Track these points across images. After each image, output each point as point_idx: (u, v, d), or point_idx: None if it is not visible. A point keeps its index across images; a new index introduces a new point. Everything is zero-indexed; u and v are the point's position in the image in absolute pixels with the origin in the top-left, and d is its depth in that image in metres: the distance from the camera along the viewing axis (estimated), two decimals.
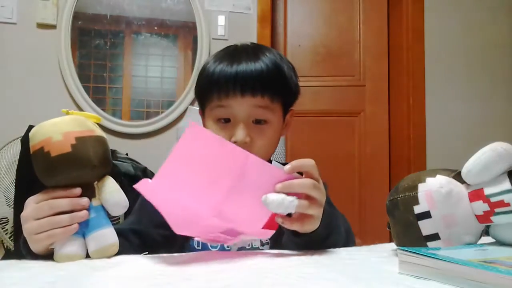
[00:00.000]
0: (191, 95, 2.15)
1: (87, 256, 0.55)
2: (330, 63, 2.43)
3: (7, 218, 1.70)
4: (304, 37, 2.44)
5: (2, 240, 1.72)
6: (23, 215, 0.54)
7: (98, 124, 0.61)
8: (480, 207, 0.51)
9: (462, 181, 0.53)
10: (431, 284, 0.42)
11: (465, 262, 0.41)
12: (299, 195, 0.54)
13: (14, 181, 1.62)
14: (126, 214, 0.79)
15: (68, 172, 0.53)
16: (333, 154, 2.37)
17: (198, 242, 0.76)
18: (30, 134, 0.55)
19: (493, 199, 0.50)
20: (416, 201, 0.53)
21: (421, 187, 0.53)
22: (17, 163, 1.64)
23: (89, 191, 0.56)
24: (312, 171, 0.56)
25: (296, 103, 0.83)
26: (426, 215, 0.52)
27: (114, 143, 2.02)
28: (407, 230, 0.54)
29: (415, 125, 2.34)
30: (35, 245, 0.54)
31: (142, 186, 0.50)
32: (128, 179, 1.61)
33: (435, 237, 0.52)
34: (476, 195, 0.51)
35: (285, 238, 0.65)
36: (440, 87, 2.39)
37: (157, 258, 0.55)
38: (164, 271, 0.48)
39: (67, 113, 0.58)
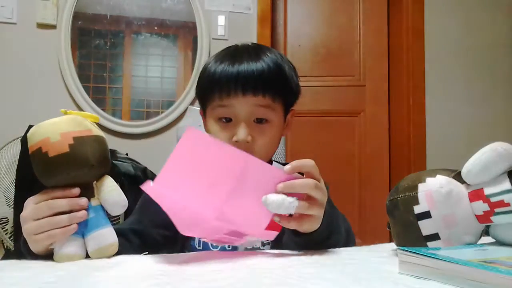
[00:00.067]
0: (191, 95, 2.15)
1: (87, 256, 0.55)
2: (330, 63, 2.43)
3: (7, 218, 1.70)
4: (304, 37, 2.44)
5: (2, 240, 1.72)
6: (22, 215, 0.54)
7: (97, 123, 0.61)
8: (480, 207, 0.51)
9: (462, 181, 0.53)
10: (431, 284, 0.42)
11: (465, 262, 0.41)
12: (300, 195, 0.54)
13: (14, 181, 1.62)
14: (127, 214, 0.80)
15: (66, 172, 0.53)
16: (333, 154, 2.37)
17: (199, 242, 0.76)
18: (29, 134, 0.55)
19: (493, 199, 0.50)
20: (416, 201, 0.53)
21: (421, 187, 0.53)
22: (17, 163, 1.64)
23: (88, 191, 0.56)
24: (312, 171, 0.56)
25: (296, 103, 0.84)
26: (426, 215, 0.52)
27: (114, 143, 2.02)
28: (407, 230, 0.54)
29: (415, 125, 2.34)
30: (35, 246, 0.54)
31: (148, 189, 0.50)
32: (128, 179, 1.61)
33: (435, 237, 0.52)
34: (476, 195, 0.51)
35: (286, 238, 0.65)
36: (440, 87, 2.39)
37: (157, 258, 0.55)
38: (164, 271, 0.48)
39: (65, 113, 0.58)
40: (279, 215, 0.55)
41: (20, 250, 0.57)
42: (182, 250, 0.76)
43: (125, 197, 0.58)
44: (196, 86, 0.82)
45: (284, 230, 0.60)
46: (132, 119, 2.19)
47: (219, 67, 0.74)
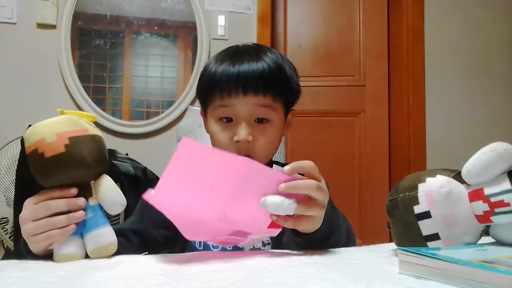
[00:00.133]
0: (191, 95, 2.15)
1: (87, 256, 0.55)
2: (330, 63, 2.43)
3: (7, 218, 1.70)
4: (304, 37, 2.44)
5: (2, 240, 1.72)
6: (21, 216, 0.55)
7: (96, 123, 0.61)
8: (480, 207, 0.51)
9: (462, 181, 0.53)
10: (431, 284, 0.42)
11: (465, 262, 0.41)
12: (300, 196, 0.54)
13: (14, 181, 1.62)
14: (127, 214, 0.80)
15: (63, 173, 0.53)
16: (333, 154, 2.37)
17: (200, 243, 0.76)
18: (25, 135, 0.55)
19: (493, 199, 0.50)
20: (416, 201, 0.53)
21: (421, 187, 0.53)
22: (17, 163, 1.64)
23: (86, 191, 0.56)
24: (313, 172, 0.56)
25: (296, 103, 0.84)
26: (426, 215, 0.52)
27: (114, 143, 2.02)
28: (407, 230, 0.54)
29: (415, 125, 2.34)
30: (34, 246, 0.54)
31: (150, 197, 0.50)
32: (128, 179, 1.61)
33: (435, 237, 0.52)
34: (476, 195, 0.51)
35: (286, 238, 0.65)
36: (440, 87, 2.39)
37: (157, 258, 0.55)
38: (164, 271, 0.48)
39: (62, 113, 0.58)
40: (277, 215, 0.55)
41: (20, 250, 0.57)
42: (182, 250, 0.76)
43: (123, 196, 0.58)
44: (197, 86, 0.82)
45: (284, 230, 0.60)
46: (132, 119, 2.19)
47: (220, 67, 0.75)
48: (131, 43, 2.26)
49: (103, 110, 2.12)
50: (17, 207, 1.59)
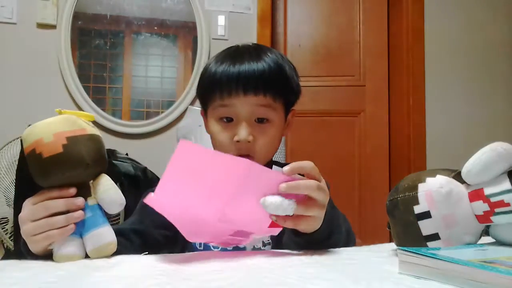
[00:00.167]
0: (191, 95, 2.15)
1: (87, 255, 0.55)
2: (330, 63, 2.43)
3: (7, 218, 1.70)
4: (304, 37, 2.44)
5: (2, 240, 1.72)
6: (20, 216, 0.55)
7: (95, 122, 0.60)
8: (480, 207, 0.51)
9: (462, 181, 0.53)
10: (431, 284, 0.42)
11: (465, 262, 0.41)
12: (299, 196, 0.54)
13: (14, 181, 1.62)
14: (127, 214, 0.79)
15: (61, 173, 0.53)
16: (333, 154, 2.37)
17: (200, 243, 0.76)
18: (23, 136, 0.55)
19: (493, 199, 0.50)
20: (416, 201, 0.53)
21: (421, 187, 0.53)
22: (17, 163, 1.64)
23: (84, 190, 0.56)
24: (312, 173, 0.56)
25: (296, 103, 0.84)
26: (426, 215, 0.52)
27: (114, 143, 2.02)
28: (407, 230, 0.54)
29: (415, 125, 2.34)
30: (34, 246, 0.54)
31: (150, 201, 0.50)
32: (128, 179, 1.61)
33: (435, 237, 0.52)
34: (476, 195, 0.51)
35: (286, 238, 0.65)
36: (440, 87, 2.39)
37: (157, 258, 0.55)
38: (164, 271, 0.48)
39: (60, 113, 0.57)
40: (276, 215, 0.55)
41: (20, 250, 0.57)
42: (183, 250, 0.76)
43: (122, 195, 0.58)
44: (197, 86, 0.82)
45: (284, 230, 0.60)
46: (132, 119, 2.19)
47: (220, 67, 0.75)
48: (131, 43, 2.26)
49: (103, 110, 2.12)
50: (17, 207, 1.59)
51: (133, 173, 1.65)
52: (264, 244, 0.76)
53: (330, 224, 0.61)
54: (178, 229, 0.55)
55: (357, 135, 2.44)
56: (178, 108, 2.16)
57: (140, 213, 0.78)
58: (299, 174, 0.55)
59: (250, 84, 0.73)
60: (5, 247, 1.72)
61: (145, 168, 1.77)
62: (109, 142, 2.01)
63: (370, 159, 2.41)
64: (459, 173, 0.53)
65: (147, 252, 0.58)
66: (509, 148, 0.50)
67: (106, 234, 0.56)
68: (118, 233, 0.57)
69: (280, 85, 0.76)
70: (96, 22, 2.22)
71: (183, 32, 2.29)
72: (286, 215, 0.54)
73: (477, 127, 2.38)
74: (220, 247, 0.73)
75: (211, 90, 0.76)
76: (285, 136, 0.91)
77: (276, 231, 0.59)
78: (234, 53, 0.78)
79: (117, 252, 0.56)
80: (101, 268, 0.50)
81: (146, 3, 2.23)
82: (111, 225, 0.57)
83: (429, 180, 0.53)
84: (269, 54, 0.77)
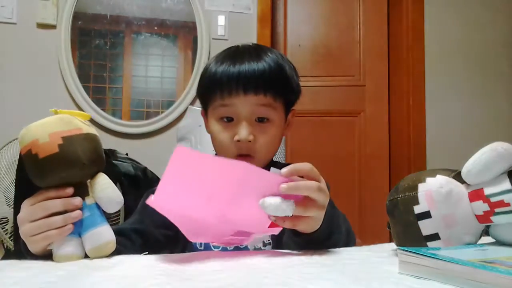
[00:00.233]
0: (191, 95, 2.15)
1: (86, 255, 0.55)
2: (330, 63, 2.43)
3: (7, 218, 1.70)
4: (304, 37, 2.44)
5: (2, 240, 1.72)
6: (19, 217, 0.55)
7: (91, 121, 0.60)
8: (480, 207, 0.51)
9: (462, 181, 0.53)
10: (431, 284, 0.42)
11: (465, 262, 0.41)
12: (298, 196, 0.54)
13: (14, 181, 1.62)
14: (127, 214, 0.79)
15: (57, 173, 0.53)
16: (333, 154, 2.37)
17: (201, 243, 0.76)
18: (19, 136, 0.55)
19: (493, 199, 0.50)
20: (416, 201, 0.53)
21: (421, 187, 0.53)
22: (17, 163, 1.64)
23: (82, 190, 0.56)
24: (311, 174, 0.56)
25: (296, 103, 0.84)
26: (426, 215, 0.52)
27: (114, 143, 2.02)
28: (407, 230, 0.54)
29: (415, 125, 2.34)
30: (33, 247, 0.54)
31: (151, 203, 0.50)
32: (128, 179, 1.61)
33: (435, 237, 0.52)
34: (476, 195, 0.51)
35: (286, 238, 0.65)
36: (440, 87, 2.39)
37: (157, 258, 0.55)
38: (164, 271, 0.48)
39: (56, 113, 0.57)
40: (275, 216, 0.55)
41: (20, 250, 0.57)
42: (183, 250, 0.76)
43: (120, 193, 0.58)
44: (197, 86, 0.82)
45: (284, 230, 0.60)
46: (132, 119, 2.19)
47: (220, 67, 0.75)
48: (131, 43, 2.26)
49: (103, 110, 2.12)
50: (17, 207, 1.59)
51: (133, 173, 1.65)
52: (264, 244, 0.76)
53: (330, 224, 0.61)
54: (179, 228, 0.55)
55: (357, 135, 2.44)
56: (178, 108, 2.16)
57: (141, 213, 0.78)
58: (299, 176, 0.55)
59: (251, 84, 0.73)
60: (5, 247, 1.72)
61: (145, 168, 1.77)
62: (109, 142, 2.01)
63: (370, 159, 2.41)
64: (459, 173, 0.53)
65: (147, 252, 0.58)
66: (509, 148, 0.50)
67: (104, 233, 0.56)
68: (118, 233, 0.57)
69: (280, 84, 0.76)
70: (96, 22, 2.22)
71: (183, 32, 2.29)
72: (285, 216, 0.54)
73: (477, 127, 2.38)
74: (220, 247, 0.73)
75: (211, 90, 0.76)
76: (285, 136, 0.91)
77: (276, 230, 0.59)
78: (234, 53, 0.78)
79: (118, 252, 0.56)
80: (101, 268, 0.50)
81: (146, 3, 2.23)
82: (111, 225, 0.57)
83: (429, 180, 0.53)
84: (269, 54, 0.77)
